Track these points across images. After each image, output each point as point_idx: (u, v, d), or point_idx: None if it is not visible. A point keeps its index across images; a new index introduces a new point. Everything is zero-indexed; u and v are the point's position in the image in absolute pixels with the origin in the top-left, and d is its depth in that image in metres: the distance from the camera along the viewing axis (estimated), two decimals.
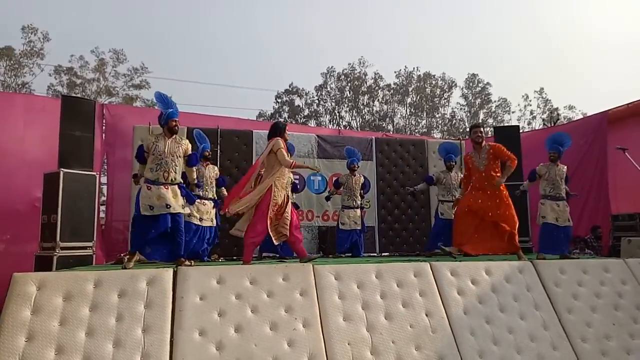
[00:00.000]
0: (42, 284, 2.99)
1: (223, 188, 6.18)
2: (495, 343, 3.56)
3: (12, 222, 7.10)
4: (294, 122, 28.15)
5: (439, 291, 3.75)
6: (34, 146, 7.42)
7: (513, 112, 31.17)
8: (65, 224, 5.68)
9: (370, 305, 3.52)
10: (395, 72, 31.39)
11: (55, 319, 2.89)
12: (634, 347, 3.85)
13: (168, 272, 3.29)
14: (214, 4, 48.40)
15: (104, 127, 8.29)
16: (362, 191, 6.96)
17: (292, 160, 4.60)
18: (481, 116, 31.59)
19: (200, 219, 5.63)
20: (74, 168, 5.92)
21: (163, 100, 4.50)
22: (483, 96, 31.46)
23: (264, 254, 6.77)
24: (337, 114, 30.87)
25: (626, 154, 5.45)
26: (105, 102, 21.23)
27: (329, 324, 3.33)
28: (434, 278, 3.82)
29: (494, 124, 31.20)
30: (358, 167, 7.03)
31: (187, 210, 4.62)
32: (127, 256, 4.45)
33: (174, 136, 4.45)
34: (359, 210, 6.79)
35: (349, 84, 30.58)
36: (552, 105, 30.20)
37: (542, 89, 30.57)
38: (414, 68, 31.30)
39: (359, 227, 6.76)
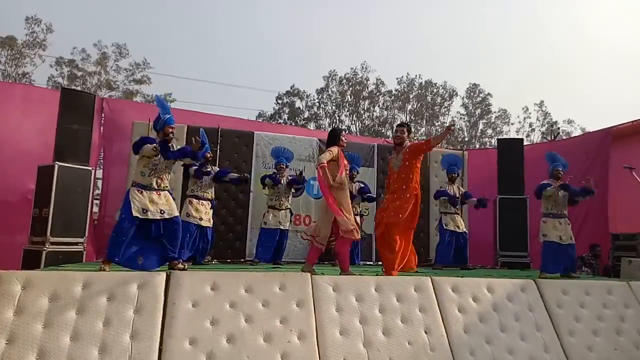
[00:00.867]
0: (27, 283, 2.86)
1: (230, 173, 6.11)
2: None
3: (2, 212, 6.94)
4: (293, 124, 28.07)
5: (439, 307, 3.64)
6: (30, 137, 7.28)
7: (512, 124, 31.25)
8: (56, 219, 5.55)
9: (369, 320, 3.40)
10: (397, 78, 31.53)
11: (39, 321, 2.75)
12: None
13: (160, 276, 3.16)
14: (219, 2, 48.34)
15: (102, 121, 8.16)
16: (364, 195, 6.86)
17: (323, 161, 4.29)
18: (480, 126, 31.64)
19: (200, 219, 5.61)
20: (70, 162, 5.78)
21: (162, 104, 4.38)
22: (483, 106, 31.48)
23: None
24: (337, 118, 30.81)
25: (633, 173, 5.37)
26: (105, 95, 21.08)
27: (325, 338, 3.21)
28: (435, 293, 3.71)
29: (493, 134, 31.25)
30: (357, 173, 6.94)
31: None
32: (102, 262, 4.06)
33: (170, 143, 4.30)
34: (358, 218, 6.67)
35: (351, 88, 30.53)
36: (551, 119, 30.29)
37: (542, 101, 30.71)
38: (415, 75, 31.37)
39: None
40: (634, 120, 8.80)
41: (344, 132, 4.64)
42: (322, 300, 3.39)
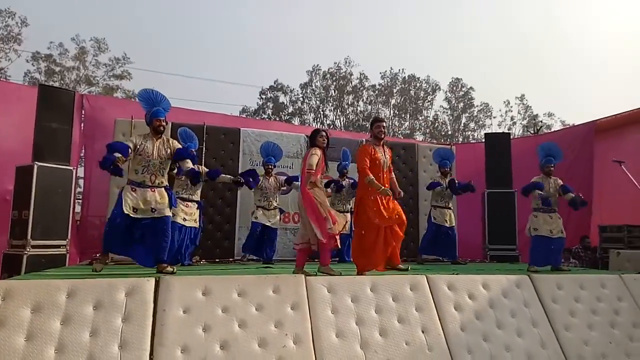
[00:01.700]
0: (7, 293, 2.70)
1: (221, 175, 5.79)
2: None
3: None
4: (277, 119, 27.88)
5: (435, 306, 3.58)
6: (6, 136, 7.02)
7: (494, 117, 31.52)
8: (37, 221, 5.36)
9: (365, 321, 3.32)
10: (380, 73, 31.44)
11: (21, 333, 2.60)
12: None
13: (149, 282, 3.02)
14: None
15: (82, 118, 7.92)
16: (353, 190, 6.79)
17: (314, 167, 4.22)
18: (463, 120, 31.85)
19: (184, 219, 5.39)
20: (49, 162, 5.59)
21: (147, 98, 4.20)
22: (466, 100, 31.68)
23: (247, 257, 6.54)
24: (322, 113, 30.70)
25: (622, 167, 5.39)
26: (84, 91, 20.63)
27: (321, 341, 3.12)
28: (431, 292, 3.65)
29: (476, 128, 31.52)
30: (347, 171, 6.92)
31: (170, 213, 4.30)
32: (99, 257, 4.15)
33: (161, 137, 4.16)
34: (348, 215, 6.59)
35: (334, 83, 30.43)
36: (532, 112, 30.65)
37: (522, 95, 31.01)
38: (399, 70, 31.39)
39: (347, 232, 6.56)
40: (617, 114, 8.91)
41: (324, 133, 4.46)
42: (317, 302, 3.30)
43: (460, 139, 29.79)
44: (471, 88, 31.56)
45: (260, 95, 30.64)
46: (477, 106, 31.64)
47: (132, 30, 42.85)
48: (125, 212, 3.90)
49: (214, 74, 50.99)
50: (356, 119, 30.46)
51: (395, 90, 31.26)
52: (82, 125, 7.88)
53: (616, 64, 45.12)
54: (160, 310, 2.92)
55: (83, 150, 8.10)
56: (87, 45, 23.41)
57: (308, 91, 30.64)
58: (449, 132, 31.08)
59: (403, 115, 31.53)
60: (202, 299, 3.06)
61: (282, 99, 30.74)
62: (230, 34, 48.00)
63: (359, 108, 30.98)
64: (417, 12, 49.30)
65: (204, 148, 6.91)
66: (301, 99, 30.80)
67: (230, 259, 6.84)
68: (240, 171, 7.10)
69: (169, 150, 4.15)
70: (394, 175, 4.83)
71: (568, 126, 20.92)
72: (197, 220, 5.60)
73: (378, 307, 3.43)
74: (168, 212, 4.07)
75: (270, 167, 6.40)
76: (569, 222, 8.57)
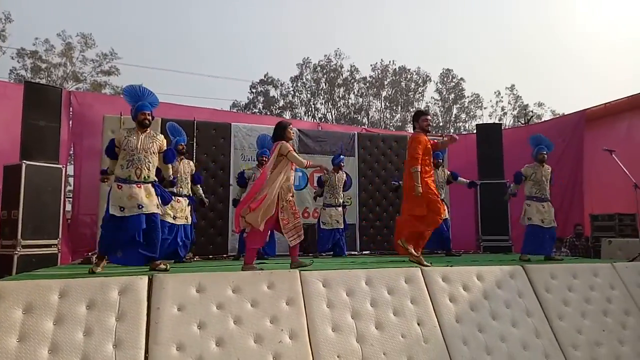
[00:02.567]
0: None
1: (199, 186, 5.84)
2: (488, 352, 3.44)
3: None
4: (269, 114, 27.76)
5: (430, 298, 3.59)
6: None
7: (485, 108, 31.66)
8: (27, 221, 5.30)
9: (361, 314, 3.32)
10: (371, 65, 31.37)
11: (14, 334, 2.57)
12: (624, 354, 3.79)
13: (142, 280, 3.00)
14: None
15: (70, 115, 7.80)
16: (342, 188, 6.77)
17: (305, 161, 4.27)
18: (454, 111, 31.95)
19: (174, 217, 5.28)
20: (38, 160, 5.51)
21: (132, 93, 4.13)
22: (457, 91, 31.77)
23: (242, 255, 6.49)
24: (313, 106, 30.61)
25: (613, 155, 5.42)
26: (72, 88, 20.37)
27: (317, 336, 3.12)
28: (425, 284, 3.66)
29: (467, 119, 31.63)
30: (343, 165, 6.89)
31: (161, 211, 4.25)
32: (96, 260, 4.09)
33: (147, 131, 4.10)
34: (340, 209, 6.59)
35: (325, 76, 30.33)
36: (522, 102, 30.80)
37: (513, 85, 31.17)
38: (389, 61, 31.34)
39: (341, 226, 6.57)
40: (607, 103, 8.96)
41: (291, 125, 4.38)
42: (312, 297, 3.29)
43: (452, 130, 29.86)
44: (462, 79, 31.69)
45: (250, 89, 30.52)
46: (467, 97, 31.77)
47: (119, 25, 42.31)
48: (112, 214, 3.84)
49: (204, 69, 50.54)
50: (347, 112, 30.42)
51: (386, 82, 31.24)
52: (70, 122, 7.77)
53: (604, 52, 45.38)
54: (154, 308, 2.90)
55: (72, 148, 7.99)
56: (73, 41, 23.12)
57: (299, 84, 30.54)
58: (440, 124, 31.16)
59: (395, 108, 31.53)
60: (197, 296, 3.04)
61: (273, 92, 30.63)
62: (220, 28, 47.63)
63: (350, 100, 30.95)
64: (406, 3, 49.21)
65: (194, 144, 6.85)
66: (292, 92, 30.70)
67: (224, 255, 6.80)
68: (232, 166, 7.08)
69: (154, 143, 4.08)
70: None
71: (558, 116, 21.02)
72: (189, 217, 5.51)
73: (373, 300, 3.44)
74: (156, 210, 4.01)
75: (264, 159, 6.34)
76: (560, 211, 8.68)
